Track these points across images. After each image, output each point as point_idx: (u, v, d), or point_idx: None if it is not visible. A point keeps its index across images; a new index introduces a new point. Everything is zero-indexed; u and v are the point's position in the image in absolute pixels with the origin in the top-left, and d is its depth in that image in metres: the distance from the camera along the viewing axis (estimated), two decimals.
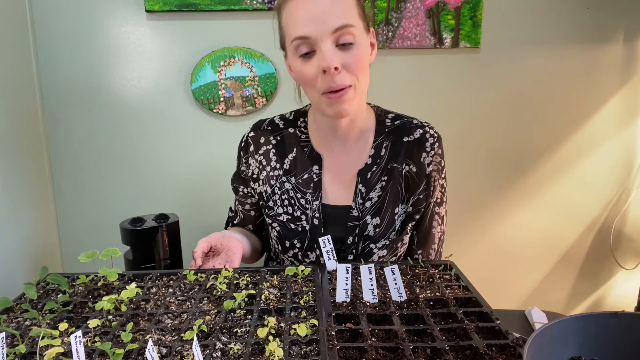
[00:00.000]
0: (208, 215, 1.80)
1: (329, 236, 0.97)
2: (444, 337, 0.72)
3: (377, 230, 1.09)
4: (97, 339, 0.74)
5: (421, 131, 1.11)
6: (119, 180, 1.83)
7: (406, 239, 1.14)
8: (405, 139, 1.11)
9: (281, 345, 0.69)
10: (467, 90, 1.89)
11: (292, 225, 1.12)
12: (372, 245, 1.09)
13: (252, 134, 1.18)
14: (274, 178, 1.14)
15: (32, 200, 1.62)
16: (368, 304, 0.83)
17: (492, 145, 1.94)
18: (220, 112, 1.79)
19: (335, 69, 0.93)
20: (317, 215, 1.10)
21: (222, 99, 1.78)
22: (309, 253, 1.11)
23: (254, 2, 1.69)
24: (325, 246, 0.97)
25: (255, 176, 1.17)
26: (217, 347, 0.70)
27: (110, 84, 1.76)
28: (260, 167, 1.15)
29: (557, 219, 2.02)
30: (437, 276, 0.94)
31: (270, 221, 1.16)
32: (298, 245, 1.12)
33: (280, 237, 1.14)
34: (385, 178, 1.10)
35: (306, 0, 0.94)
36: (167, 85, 1.78)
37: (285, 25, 0.98)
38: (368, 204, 1.09)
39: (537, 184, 1.98)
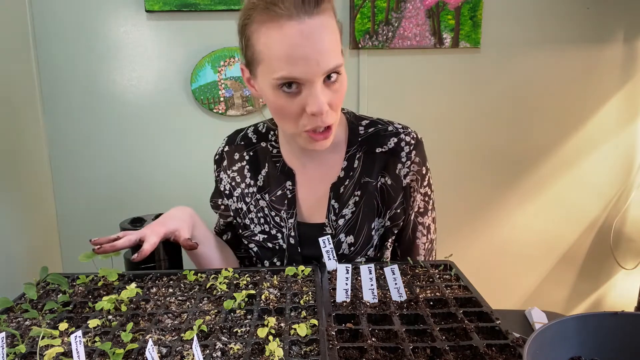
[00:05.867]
0: (208, 215, 1.79)
1: (328, 236, 0.97)
2: (444, 337, 0.72)
3: (352, 248, 1.04)
4: (97, 339, 0.74)
5: (395, 140, 1.04)
6: (119, 180, 1.83)
7: (387, 253, 1.09)
8: (379, 149, 1.04)
9: (281, 345, 0.69)
10: (467, 90, 1.89)
11: (270, 244, 1.08)
12: None
13: (226, 148, 1.14)
14: (249, 195, 1.10)
15: (32, 200, 1.62)
16: (368, 304, 0.83)
17: (492, 145, 1.94)
18: (220, 112, 1.79)
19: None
20: (292, 234, 1.06)
21: (222, 99, 1.78)
22: None
23: None
24: (325, 246, 0.97)
25: (227, 192, 1.13)
26: (217, 347, 0.70)
27: (110, 84, 1.76)
28: (234, 183, 1.11)
29: (557, 219, 2.03)
30: (437, 276, 0.94)
31: (246, 242, 1.12)
32: (278, 263, 1.09)
33: (258, 258, 1.11)
34: (359, 193, 1.04)
35: (294, 36, 0.82)
36: (167, 85, 1.78)
37: (264, 52, 0.86)
38: (341, 221, 1.04)
39: (537, 184, 1.99)
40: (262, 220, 1.09)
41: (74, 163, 1.80)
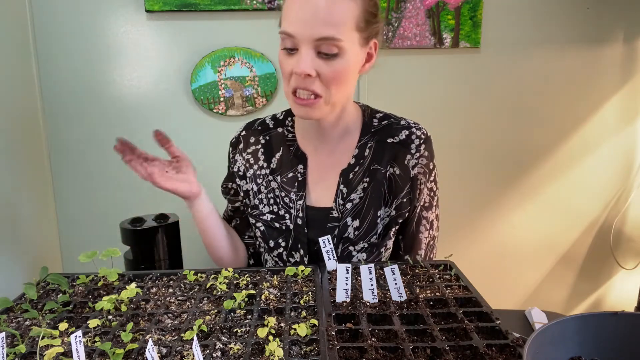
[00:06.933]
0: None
1: (328, 236, 0.97)
2: (444, 337, 0.72)
3: (357, 232, 1.08)
4: (97, 339, 0.74)
5: (407, 132, 1.09)
6: (119, 180, 1.82)
7: (389, 243, 1.11)
8: (390, 140, 1.09)
9: (281, 345, 0.69)
10: (467, 90, 1.89)
11: (277, 224, 1.12)
12: (351, 248, 1.08)
13: (244, 132, 1.19)
14: (261, 177, 1.14)
15: (32, 200, 1.62)
16: (368, 304, 0.83)
17: (492, 145, 1.94)
18: (220, 112, 1.80)
19: (308, 75, 0.93)
20: (300, 215, 1.09)
21: (222, 99, 1.78)
22: (293, 253, 1.11)
23: (254, 2, 1.69)
24: (325, 246, 0.97)
25: (241, 174, 1.17)
26: (217, 347, 0.70)
27: (110, 84, 1.76)
28: (247, 165, 1.16)
29: (557, 219, 2.02)
30: (437, 276, 0.94)
31: (254, 221, 1.15)
32: (283, 244, 1.12)
33: (264, 237, 1.14)
34: (367, 179, 1.08)
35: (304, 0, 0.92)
36: (167, 85, 1.78)
37: (282, 14, 0.97)
38: (349, 205, 1.08)
39: (536, 184, 1.99)
40: (271, 201, 1.13)
41: (74, 163, 1.80)
